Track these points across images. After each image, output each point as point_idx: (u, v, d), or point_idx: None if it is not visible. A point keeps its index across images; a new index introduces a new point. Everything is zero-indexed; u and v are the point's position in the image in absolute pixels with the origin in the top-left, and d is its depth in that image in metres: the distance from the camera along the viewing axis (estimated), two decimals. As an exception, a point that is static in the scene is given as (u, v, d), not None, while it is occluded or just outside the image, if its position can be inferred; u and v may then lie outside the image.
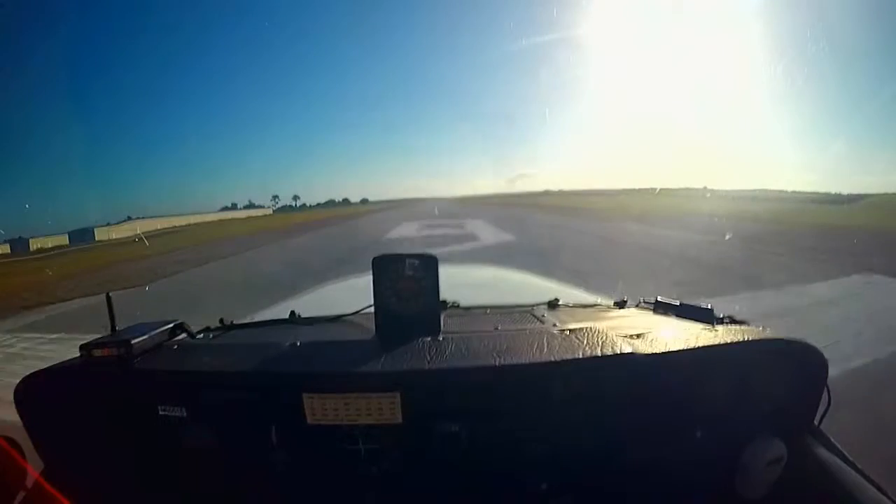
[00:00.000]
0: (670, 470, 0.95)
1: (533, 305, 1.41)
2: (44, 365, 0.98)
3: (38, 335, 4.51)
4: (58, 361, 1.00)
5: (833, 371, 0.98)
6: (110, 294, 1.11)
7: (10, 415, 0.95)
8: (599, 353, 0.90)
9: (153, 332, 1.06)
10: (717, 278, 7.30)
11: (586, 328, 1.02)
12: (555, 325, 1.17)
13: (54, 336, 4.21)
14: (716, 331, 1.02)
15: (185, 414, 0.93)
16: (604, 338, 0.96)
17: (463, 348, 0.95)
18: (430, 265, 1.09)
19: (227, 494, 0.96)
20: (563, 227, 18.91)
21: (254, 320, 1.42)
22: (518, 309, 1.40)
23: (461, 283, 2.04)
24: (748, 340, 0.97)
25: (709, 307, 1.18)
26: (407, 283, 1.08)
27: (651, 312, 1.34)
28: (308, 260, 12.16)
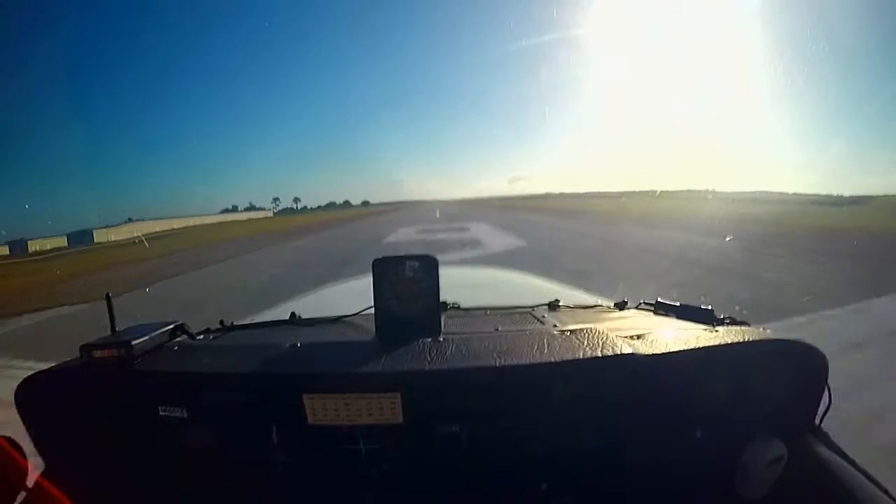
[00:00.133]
0: (670, 470, 0.95)
1: (533, 306, 1.42)
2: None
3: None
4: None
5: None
6: (110, 294, 1.11)
7: (11, 415, 0.96)
8: (600, 354, 0.90)
9: (153, 333, 1.06)
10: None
11: (587, 329, 1.02)
12: (555, 325, 1.17)
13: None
14: (716, 331, 1.02)
15: (185, 415, 0.93)
16: (604, 338, 0.96)
17: (463, 349, 0.95)
18: (430, 266, 1.09)
19: (227, 495, 0.95)
20: (570, 231, 18.69)
21: (254, 321, 1.42)
22: (518, 310, 1.40)
23: (461, 284, 2.05)
24: (749, 341, 0.97)
25: (709, 308, 1.18)
26: (407, 284, 1.08)
27: (651, 313, 1.34)
28: (308, 262, 12.16)
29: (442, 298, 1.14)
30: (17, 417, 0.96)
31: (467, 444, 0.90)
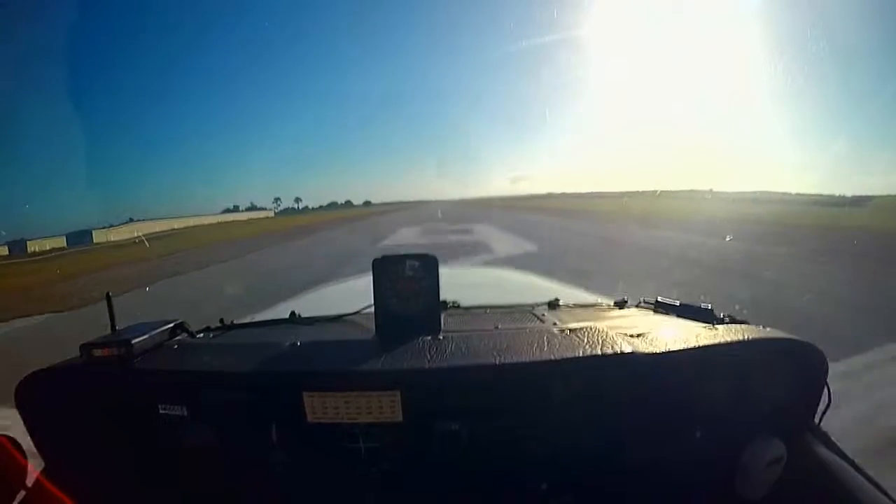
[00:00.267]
0: (670, 470, 0.95)
1: (533, 305, 1.42)
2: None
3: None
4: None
5: None
6: (110, 294, 1.11)
7: (11, 414, 0.96)
8: (600, 353, 0.90)
9: (153, 332, 1.06)
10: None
11: (586, 327, 1.02)
12: (555, 324, 1.17)
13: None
14: (716, 330, 1.02)
15: (185, 413, 0.93)
16: (604, 337, 0.96)
17: (463, 347, 0.95)
18: (429, 266, 1.09)
19: (227, 493, 0.96)
20: (573, 231, 18.49)
21: (254, 320, 1.42)
22: (518, 308, 1.40)
23: (461, 283, 2.05)
24: (748, 339, 0.97)
25: (709, 307, 1.18)
26: (407, 283, 1.09)
27: (651, 312, 1.34)
28: (309, 263, 12.15)
29: (442, 297, 1.14)
30: (17, 417, 0.96)
31: (467, 443, 0.90)
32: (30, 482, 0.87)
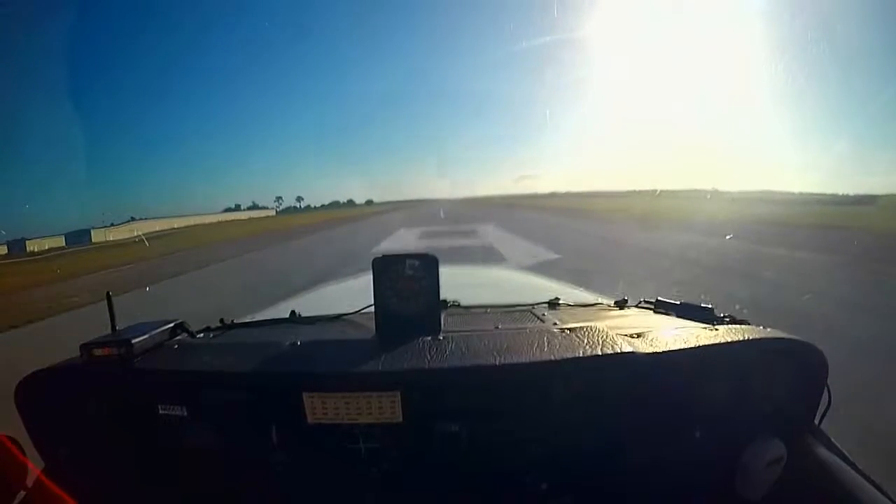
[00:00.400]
0: (670, 470, 0.95)
1: (533, 304, 1.41)
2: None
3: None
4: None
5: None
6: (110, 294, 1.11)
7: (11, 414, 0.96)
8: (600, 352, 0.90)
9: (153, 332, 1.06)
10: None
11: (587, 327, 1.02)
12: (555, 323, 1.17)
13: None
14: (716, 330, 1.02)
15: (185, 413, 0.93)
16: (604, 337, 0.96)
17: (463, 347, 0.95)
18: (430, 265, 1.09)
19: (227, 493, 0.96)
20: (581, 231, 18.24)
21: (254, 320, 1.42)
22: (518, 308, 1.40)
23: (461, 282, 2.05)
24: (749, 339, 0.97)
25: (709, 306, 1.18)
26: (407, 282, 1.08)
27: (651, 312, 1.34)
28: (310, 262, 12.15)
29: (442, 297, 1.14)
30: (17, 416, 0.96)
31: (467, 443, 0.90)
32: (30, 482, 0.86)
